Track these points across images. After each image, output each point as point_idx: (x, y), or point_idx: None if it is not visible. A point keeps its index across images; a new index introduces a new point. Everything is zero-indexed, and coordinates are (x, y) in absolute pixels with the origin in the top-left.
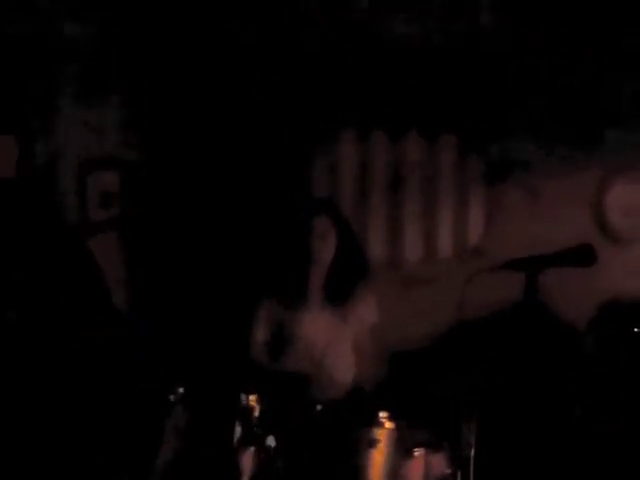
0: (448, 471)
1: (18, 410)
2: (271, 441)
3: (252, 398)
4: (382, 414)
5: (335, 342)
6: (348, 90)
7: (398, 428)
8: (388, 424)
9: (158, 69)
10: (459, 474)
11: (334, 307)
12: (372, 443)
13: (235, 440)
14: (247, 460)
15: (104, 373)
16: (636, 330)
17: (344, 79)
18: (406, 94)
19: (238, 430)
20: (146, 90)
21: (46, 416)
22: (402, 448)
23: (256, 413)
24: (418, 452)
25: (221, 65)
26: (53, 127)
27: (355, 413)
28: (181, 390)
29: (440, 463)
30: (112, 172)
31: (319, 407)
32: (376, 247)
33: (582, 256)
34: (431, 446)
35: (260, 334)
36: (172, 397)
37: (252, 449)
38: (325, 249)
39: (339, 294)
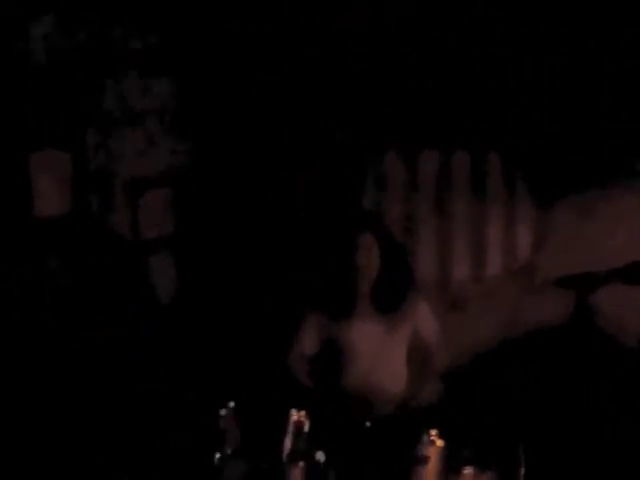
0: None
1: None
2: (321, 456)
3: (302, 413)
4: (432, 431)
5: (384, 355)
6: (397, 106)
7: (448, 446)
8: (438, 441)
9: (212, 83)
10: None
11: (382, 320)
12: (422, 460)
13: (285, 455)
14: (297, 475)
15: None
16: None
17: (394, 95)
18: (455, 112)
19: (288, 445)
20: (199, 103)
21: (51, 415)
22: (451, 466)
23: (306, 428)
24: (467, 470)
25: (272, 79)
26: (107, 143)
27: (405, 430)
28: (232, 405)
29: None
30: (164, 189)
31: (368, 423)
32: (424, 266)
33: (635, 274)
34: (480, 464)
35: (308, 348)
36: (223, 411)
37: (301, 464)
38: (370, 261)
39: (387, 306)
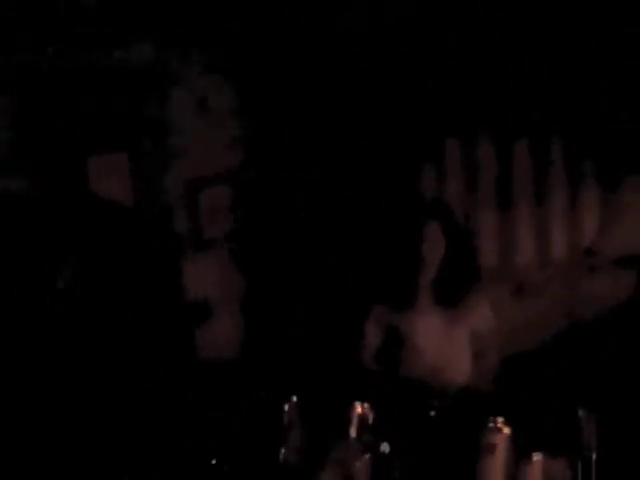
0: (569, 476)
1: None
2: (386, 448)
3: (366, 405)
4: (498, 419)
5: (447, 345)
6: (457, 93)
7: (515, 433)
8: (505, 429)
9: (268, 83)
10: (580, 479)
11: (445, 310)
12: (489, 448)
13: (350, 447)
14: (362, 468)
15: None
16: None
17: (452, 82)
18: (515, 97)
19: (352, 437)
20: (254, 103)
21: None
22: (520, 453)
23: (370, 420)
24: (537, 457)
25: (332, 76)
26: (164, 144)
27: (470, 418)
28: (295, 399)
29: (560, 468)
30: (223, 188)
31: (433, 413)
32: (487, 253)
33: None
34: (550, 451)
35: (371, 339)
36: (286, 406)
37: (367, 456)
38: (435, 251)
39: (450, 297)
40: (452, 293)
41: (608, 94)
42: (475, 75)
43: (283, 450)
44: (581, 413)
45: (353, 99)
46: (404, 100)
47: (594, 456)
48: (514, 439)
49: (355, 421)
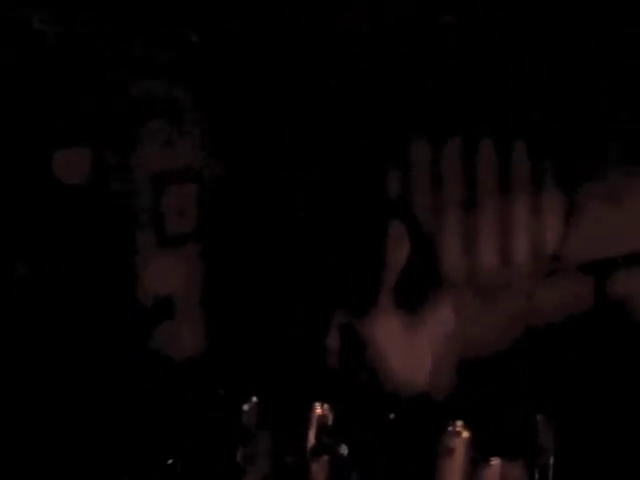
0: None
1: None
2: (344, 450)
3: (325, 407)
4: (457, 422)
5: (408, 348)
6: (422, 96)
7: (474, 437)
8: (464, 432)
9: (236, 80)
10: None
11: (406, 313)
12: (448, 451)
13: (308, 449)
14: (320, 469)
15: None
16: None
17: (418, 84)
18: (479, 101)
19: (311, 439)
20: (220, 102)
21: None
22: (478, 457)
23: (329, 422)
24: (494, 461)
25: (295, 73)
26: (129, 140)
27: (429, 422)
28: (254, 399)
29: (517, 472)
30: (188, 185)
31: (392, 416)
32: (451, 256)
33: None
34: (508, 455)
35: (332, 341)
36: (246, 406)
37: (325, 458)
38: (398, 254)
39: (411, 300)
40: (414, 296)
41: (570, 99)
42: (441, 77)
43: (241, 450)
44: (539, 418)
45: (319, 100)
46: (370, 102)
47: (551, 461)
48: (473, 443)
49: (314, 422)
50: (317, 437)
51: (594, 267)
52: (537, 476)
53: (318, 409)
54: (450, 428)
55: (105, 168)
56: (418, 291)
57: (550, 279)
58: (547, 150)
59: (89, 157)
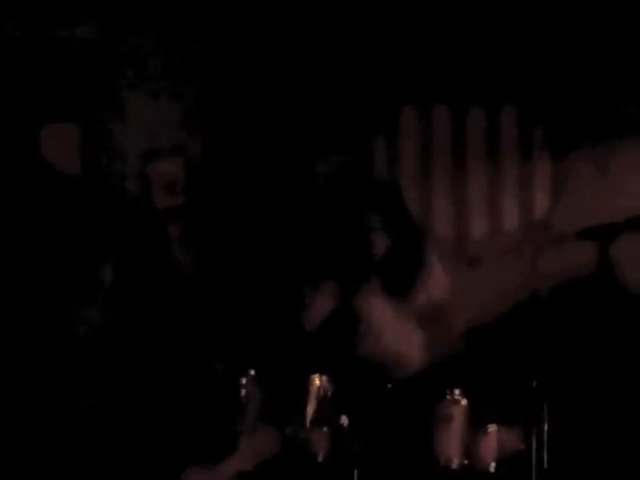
0: (522, 447)
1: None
2: (344, 420)
3: (324, 378)
4: (456, 391)
5: (398, 322)
6: (408, 64)
7: (471, 404)
8: (461, 400)
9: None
10: (533, 449)
11: (397, 288)
12: (445, 420)
13: (308, 420)
14: (320, 440)
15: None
16: None
17: (403, 53)
18: (467, 67)
19: (311, 410)
20: (207, 82)
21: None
22: (476, 424)
23: (328, 393)
24: (492, 428)
25: (277, 47)
26: (117, 116)
27: (428, 390)
28: (252, 372)
29: (514, 439)
30: (176, 161)
31: (390, 385)
32: (440, 225)
33: None
34: (504, 422)
35: (321, 315)
36: (244, 379)
37: (325, 429)
38: (385, 238)
39: (399, 282)
40: (400, 275)
41: (558, 65)
42: (428, 44)
43: (239, 423)
44: (535, 385)
45: (300, 80)
46: (353, 75)
47: (546, 427)
48: (470, 410)
49: (313, 394)
50: (316, 408)
51: (594, 233)
52: (534, 442)
53: (316, 380)
54: (448, 396)
55: (92, 144)
56: (406, 272)
57: (550, 246)
58: (535, 116)
59: (76, 133)
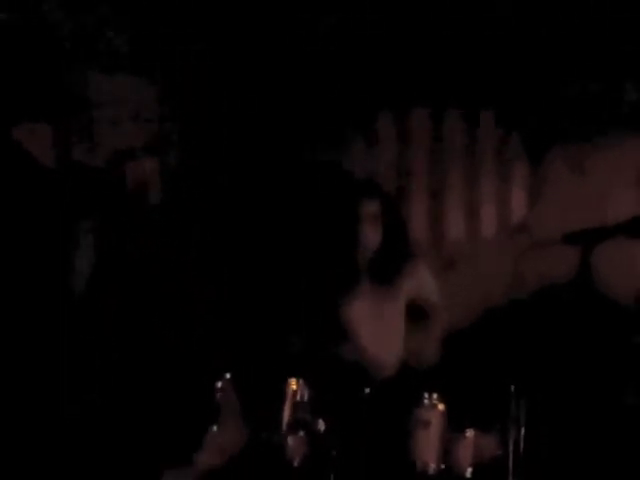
0: (499, 452)
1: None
2: (321, 425)
3: (300, 382)
4: (433, 395)
5: (381, 324)
6: (386, 68)
7: (449, 409)
8: (439, 405)
9: (197, 60)
10: (510, 454)
11: (379, 289)
12: (423, 424)
13: (284, 425)
14: (297, 444)
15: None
16: None
17: (381, 57)
18: (444, 71)
19: (287, 415)
20: (185, 78)
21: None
22: (453, 429)
23: (305, 397)
24: (469, 433)
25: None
26: (91, 116)
27: (405, 394)
28: (228, 376)
29: (491, 444)
30: (150, 161)
31: (367, 390)
32: (418, 228)
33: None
34: (482, 427)
35: (306, 318)
36: (219, 383)
37: (302, 433)
38: (374, 231)
39: (385, 276)
40: (386, 277)
41: (535, 68)
42: (408, 47)
43: (213, 427)
44: (512, 390)
45: (284, 77)
46: (332, 77)
47: (523, 432)
48: (448, 415)
49: (290, 398)
50: (293, 413)
51: (577, 237)
52: (511, 447)
53: (293, 384)
54: (426, 401)
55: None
56: (392, 267)
57: (530, 249)
58: (512, 118)
59: (50, 133)
